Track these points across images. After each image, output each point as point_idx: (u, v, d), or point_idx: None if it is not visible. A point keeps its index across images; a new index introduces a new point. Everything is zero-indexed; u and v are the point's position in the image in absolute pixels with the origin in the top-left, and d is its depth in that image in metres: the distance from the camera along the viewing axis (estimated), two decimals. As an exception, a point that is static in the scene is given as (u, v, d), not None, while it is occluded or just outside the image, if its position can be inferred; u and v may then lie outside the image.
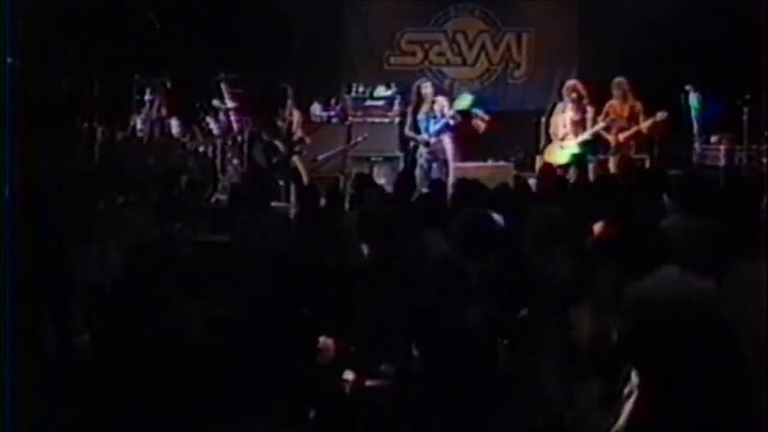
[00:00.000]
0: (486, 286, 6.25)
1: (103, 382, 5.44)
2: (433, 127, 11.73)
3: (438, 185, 9.16)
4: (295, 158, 11.35)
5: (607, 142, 11.49)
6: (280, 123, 11.36)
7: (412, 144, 12.07)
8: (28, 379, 5.61)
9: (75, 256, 7.20)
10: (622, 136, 11.34)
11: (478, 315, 6.07)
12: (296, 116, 11.43)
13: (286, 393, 6.16)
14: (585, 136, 11.37)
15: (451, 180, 11.05)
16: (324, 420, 6.11)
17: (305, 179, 11.17)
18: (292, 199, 11.01)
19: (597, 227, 6.54)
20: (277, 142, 11.36)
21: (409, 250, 7.09)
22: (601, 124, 11.36)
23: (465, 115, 12.04)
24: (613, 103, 11.42)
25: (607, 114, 11.42)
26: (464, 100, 12.22)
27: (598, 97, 11.65)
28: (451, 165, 11.69)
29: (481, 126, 12.26)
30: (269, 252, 7.32)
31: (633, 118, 11.35)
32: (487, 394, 5.68)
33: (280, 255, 7.21)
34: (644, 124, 11.28)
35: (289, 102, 11.37)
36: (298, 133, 11.36)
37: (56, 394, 5.88)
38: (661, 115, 11.28)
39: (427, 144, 11.73)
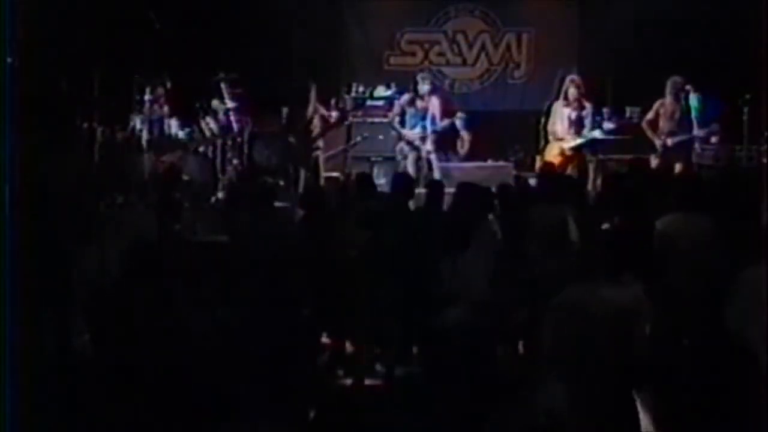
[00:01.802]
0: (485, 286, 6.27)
1: (103, 382, 5.44)
2: (419, 127, 11.64)
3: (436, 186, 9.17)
4: (318, 153, 11.35)
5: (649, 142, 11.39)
6: (299, 121, 11.41)
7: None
8: (29, 379, 5.61)
9: (75, 256, 7.20)
10: (671, 141, 11.02)
11: (477, 314, 6.08)
12: (320, 113, 11.45)
13: (286, 393, 6.16)
14: (595, 134, 11.32)
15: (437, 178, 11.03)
16: (324, 420, 6.11)
17: (321, 179, 11.25)
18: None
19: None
20: (291, 139, 11.41)
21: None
22: (605, 126, 11.31)
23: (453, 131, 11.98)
24: (665, 102, 11.25)
25: (657, 113, 11.23)
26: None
27: (597, 96, 11.65)
28: (436, 165, 11.60)
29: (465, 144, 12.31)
30: (270, 252, 7.32)
31: (682, 119, 11.20)
32: (485, 394, 5.68)
33: (280, 255, 7.21)
34: (700, 132, 11.17)
35: (312, 98, 11.38)
36: (315, 131, 11.37)
37: (56, 395, 5.88)
38: (712, 128, 11.24)
39: (409, 142, 11.64)
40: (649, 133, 11.13)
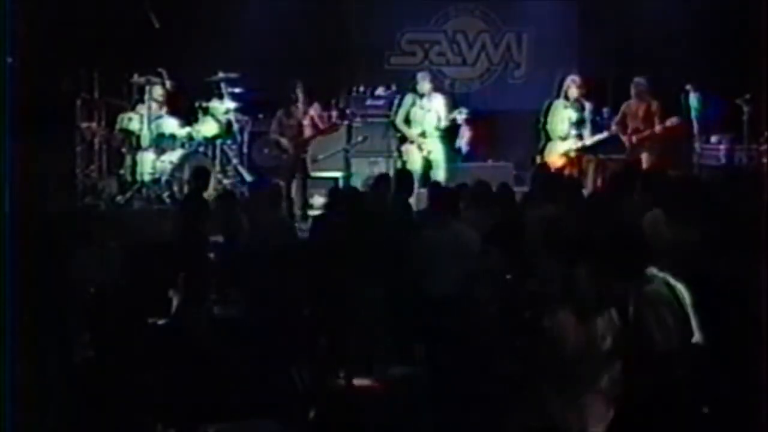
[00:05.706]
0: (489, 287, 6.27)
1: (104, 382, 5.44)
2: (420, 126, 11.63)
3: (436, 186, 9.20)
4: (306, 156, 11.32)
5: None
6: (289, 121, 11.37)
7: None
8: (29, 381, 5.61)
9: (75, 256, 7.20)
10: (635, 138, 11.38)
11: (482, 316, 6.09)
12: (313, 112, 11.43)
13: (286, 393, 6.17)
14: (596, 138, 11.39)
15: (442, 179, 11.02)
16: (324, 420, 6.12)
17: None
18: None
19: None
20: (284, 140, 11.39)
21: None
22: (612, 128, 11.44)
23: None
24: (630, 103, 11.48)
25: (624, 114, 11.48)
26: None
27: (597, 96, 11.68)
28: (442, 164, 11.61)
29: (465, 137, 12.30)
30: (269, 252, 7.33)
31: (649, 118, 11.39)
32: (488, 395, 5.68)
33: (280, 255, 7.21)
34: (657, 127, 11.34)
35: (300, 98, 11.36)
36: (307, 132, 11.35)
37: (57, 395, 5.88)
38: (671, 122, 11.36)
39: (411, 141, 11.63)
40: (620, 134, 11.37)
